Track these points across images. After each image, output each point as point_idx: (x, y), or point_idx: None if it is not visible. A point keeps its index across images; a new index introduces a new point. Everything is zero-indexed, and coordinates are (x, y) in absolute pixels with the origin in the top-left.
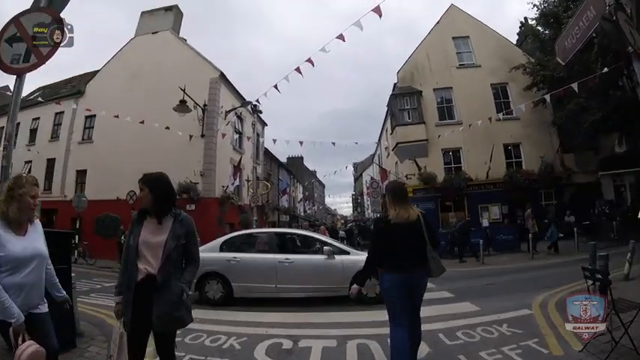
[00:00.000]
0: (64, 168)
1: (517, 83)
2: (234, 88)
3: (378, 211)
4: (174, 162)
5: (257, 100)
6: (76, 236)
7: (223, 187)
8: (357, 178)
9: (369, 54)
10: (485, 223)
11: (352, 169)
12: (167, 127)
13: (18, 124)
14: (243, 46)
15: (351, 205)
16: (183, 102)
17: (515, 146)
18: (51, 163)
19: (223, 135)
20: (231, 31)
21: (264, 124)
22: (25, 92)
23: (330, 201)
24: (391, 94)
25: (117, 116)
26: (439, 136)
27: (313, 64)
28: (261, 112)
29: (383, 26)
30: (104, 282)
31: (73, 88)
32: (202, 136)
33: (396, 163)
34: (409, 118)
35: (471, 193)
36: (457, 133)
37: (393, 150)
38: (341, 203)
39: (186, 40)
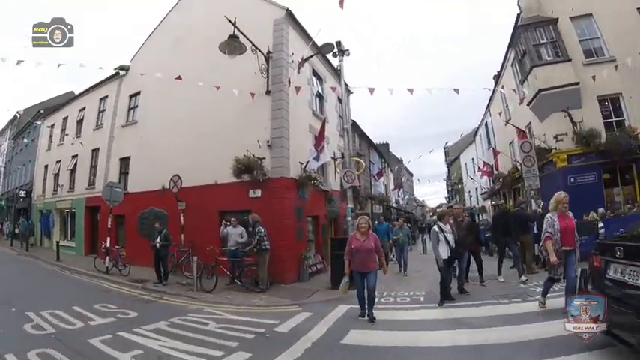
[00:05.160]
0: (108, 157)
1: None
2: (307, 32)
3: (536, 187)
4: (233, 134)
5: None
6: (107, 238)
7: (301, 164)
8: (453, 162)
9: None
10: None
11: (443, 155)
12: (217, 87)
13: (66, 117)
14: None
15: (447, 194)
16: (233, 37)
17: None
18: (95, 153)
19: (297, 89)
20: None
21: (348, 90)
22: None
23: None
24: (518, 26)
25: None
26: (593, 77)
27: None
28: (348, 52)
29: None
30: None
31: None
32: (267, 92)
33: (528, 125)
34: (549, 56)
35: None
36: (612, 75)
37: (529, 104)
38: (428, 195)
39: None
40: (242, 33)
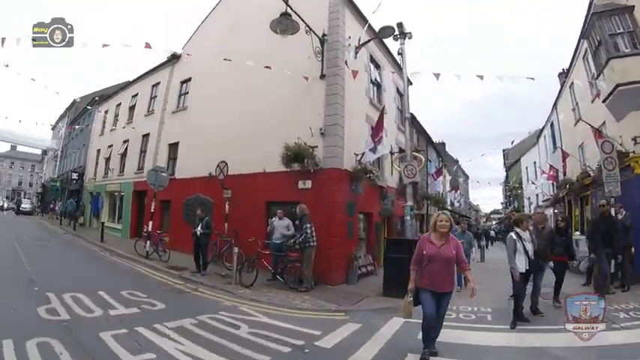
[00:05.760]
0: (157, 143)
1: None
2: (363, 15)
3: (617, 193)
4: (284, 120)
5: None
6: (149, 222)
7: (356, 155)
8: (513, 164)
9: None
10: None
11: (502, 158)
12: (268, 67)
13: (119, 104)
14: None
15: (503, 199)
16: (285, 14)
17: None
18: (146, 139)
19: (354, 73)
20: None
21: (409, 81)
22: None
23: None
24: (592, 14)
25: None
26: None
27: None
28: (410, 35)
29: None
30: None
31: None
32: (322, 76)
33: (601, 125)
34: (626, 47)
35: None
36: None
37: (604, 101)
38: (483, 199)
39: None
40: (295, 12)
